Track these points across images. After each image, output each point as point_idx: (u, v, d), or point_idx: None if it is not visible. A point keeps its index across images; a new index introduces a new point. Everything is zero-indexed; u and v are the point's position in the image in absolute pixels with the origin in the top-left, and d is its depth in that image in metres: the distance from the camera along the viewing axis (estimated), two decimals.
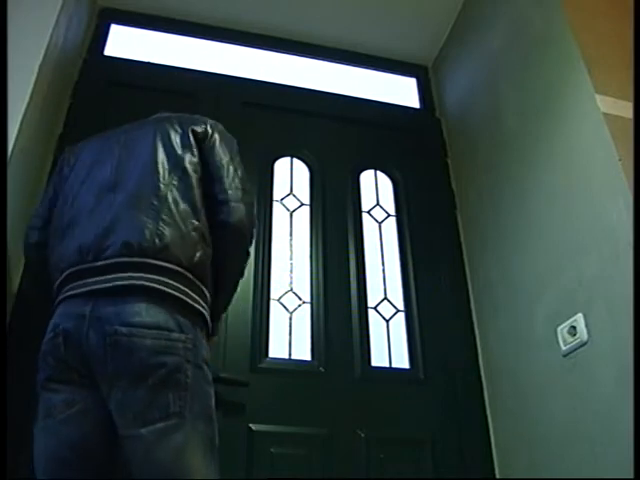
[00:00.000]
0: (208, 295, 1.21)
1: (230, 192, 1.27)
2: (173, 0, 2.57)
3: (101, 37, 2.49)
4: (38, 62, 1.82)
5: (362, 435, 1.87)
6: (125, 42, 2.53)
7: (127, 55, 2.46)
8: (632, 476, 1.25)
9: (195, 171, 1.28)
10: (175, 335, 1.07)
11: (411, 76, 2.86)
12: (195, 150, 1.31)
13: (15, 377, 1.65)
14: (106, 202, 1.21)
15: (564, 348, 1.67)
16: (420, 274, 2.25)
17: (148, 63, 2.47)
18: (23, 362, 1.74)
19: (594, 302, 1.59)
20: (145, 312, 1.06)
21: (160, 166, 1.25)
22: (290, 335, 2.02)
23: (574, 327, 1.64)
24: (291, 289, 2.11)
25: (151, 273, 1.10)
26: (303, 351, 1.99)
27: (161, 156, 1.28)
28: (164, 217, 1.17)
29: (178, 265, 1.14)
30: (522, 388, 1.88)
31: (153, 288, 1.09)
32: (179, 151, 1.29)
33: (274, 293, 2.07)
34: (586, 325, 1.60)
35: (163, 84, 2.40)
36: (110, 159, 1.31)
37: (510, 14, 2.21)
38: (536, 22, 2.04)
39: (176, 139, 1.31)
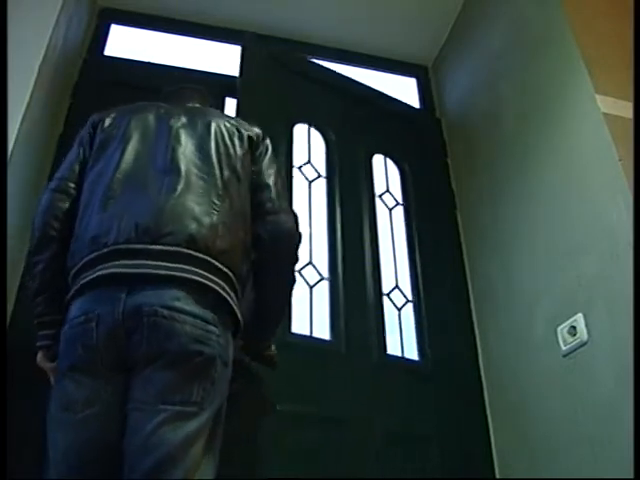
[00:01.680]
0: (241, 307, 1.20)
1: (278, 202, 1.27)
2: (173, 0, 2.57)
3: (101, 37, 2.49)
4: (38, 62, 1.82)
5: (372, 424, 1.84)
6: (125, 42, 2.53)
7: (127, 55, 2.46)
8: (632, 476, 1.25)
9: (248, 177, 1.27)
10: (211, 327, 1.06)
11: (411, 76, 2.86)
12: (249, 156, 1.30)
13: (15, 378, 1.65)
14: (164, 185, 1.16)
15: (564, 348, 1.67)
16: (422, 272, 2.26)
17: (148, 63, 2.47)
18: (23, 362, 1.75)
19: (594, 302, 1.59)
20: (184, 299, 1.04)
21: (219, 164, 1.23)
22: (311, 311, 1.97)
23: (574, 327, 1.64)
24: (310, 262, 2.05)
25: (209, 272, 1.09)
26: (323, 328, 1.95)
27: (221, 154, 1.26)
28: (225, 220, 1.16)
29: (231, 270, 1.13)
30: (522, 388, 1.88)
31: (199, 281, 1.08)
32: (238, 152, 1.28)
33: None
34: (586, 325, 1.60)
35: (163, 84, 2.40)
36: (162, 140, 1.26)
37: (510, 14, 2.21)
38: (536, 22, 2.04)
39: (234, 140, 1.30)
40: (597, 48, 1.80)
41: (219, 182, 1.20)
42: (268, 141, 1.38)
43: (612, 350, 1.51)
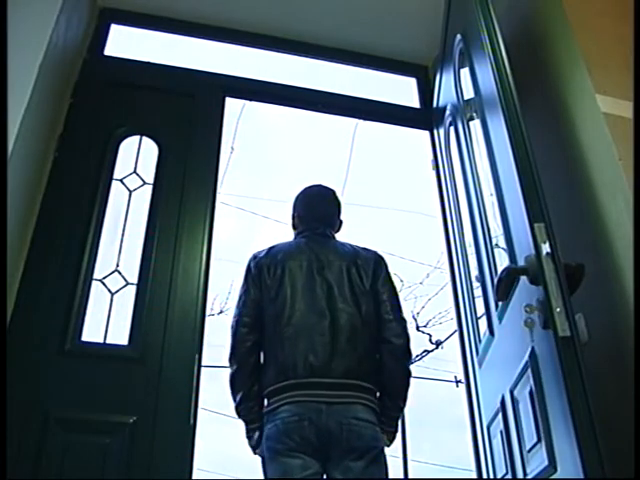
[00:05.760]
0: None
1: (392, 314, 1.64)
2: (173, 0, 2.57)
3: (101, 37, 2.49)
4: (38, 62, 1.82)
5: None
6: (125, 42, 2.53)
7: (127, 55, 2.46)
8: (632, 476, 1.25)
9: (372, 310, 1.64)
10: (378, 428, 1.55)
11: (411, 76, 2.86)
12: (372, 292, 1.66)
13: (14, 378, 1.66)
14: (326, 328, 1.58)
15: None
16: None
17: (148, 63, 2.47)
18: (23, 363, 1.75)
19: (594, 302, 1.59)
20: (363, 412, 1.53)
21: (356, 304, 1.62)
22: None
23: None
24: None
25: (362, 392, 1.55)
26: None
27: (356, 294, 1.64)
28: (371, 353, 1.60)
29: (372, 384, 1.58)
30: None
31: (364, 403, 1.55)
32: (367, 288, 1.66)
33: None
34: (586, 325, 1.60)
35: (163, 84, 2.40)
36: (319, 287, 1.64)
37: (510, 14, 2.21)
38: (536, 22, 2.04)
39: (363, 279, 1.67)
40: (597, 48, 1.80)
41: (358, 319, 1.61)
42: (383, 262, 1.74)
43: (612, 350, 1.51)
